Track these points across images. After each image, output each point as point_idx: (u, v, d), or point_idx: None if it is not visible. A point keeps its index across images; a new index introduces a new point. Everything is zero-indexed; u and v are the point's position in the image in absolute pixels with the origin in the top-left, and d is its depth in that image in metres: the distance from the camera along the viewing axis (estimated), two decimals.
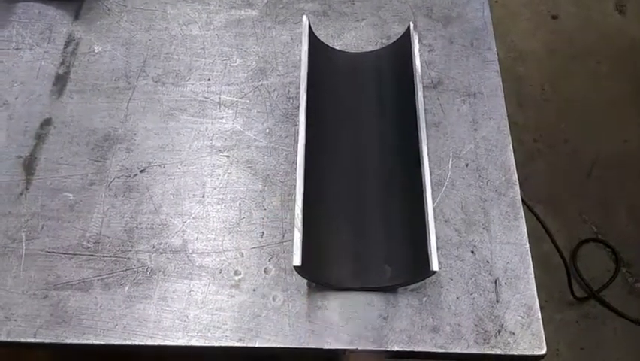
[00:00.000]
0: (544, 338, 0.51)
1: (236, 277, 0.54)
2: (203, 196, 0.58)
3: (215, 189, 0.59)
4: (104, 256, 0.55)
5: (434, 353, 0.51)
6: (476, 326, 0.52)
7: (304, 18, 0.61)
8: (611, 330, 1.39)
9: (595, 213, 1.53)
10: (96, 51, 0.68)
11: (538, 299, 0.53)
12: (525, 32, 1.83)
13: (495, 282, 0.54)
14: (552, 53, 1.79)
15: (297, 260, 0.47)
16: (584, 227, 1.52)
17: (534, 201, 1.52)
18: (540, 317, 0.52)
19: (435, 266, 0.48)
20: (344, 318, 0.52)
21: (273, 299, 0.53)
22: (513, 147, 0.62)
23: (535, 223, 1.48)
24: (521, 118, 1.66)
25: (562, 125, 1.65)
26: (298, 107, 0.56)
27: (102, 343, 0.51)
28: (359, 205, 0.56)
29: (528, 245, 0.56)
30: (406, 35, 0.63)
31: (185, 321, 0.52)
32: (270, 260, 0.55)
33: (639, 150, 1.61)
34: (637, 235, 1.50)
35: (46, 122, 0.62)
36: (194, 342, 0.51)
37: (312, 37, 0.63)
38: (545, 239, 1.47)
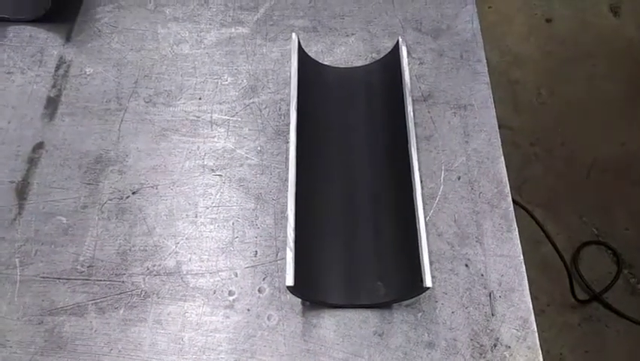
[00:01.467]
0: (540, 351, 0.51)
1: (231, 298, 0.54)
2: (196, 216, 0.58)
3: (207, 208, 0.59)
4: (98, 280, 0.55)
5: None
6: (472, 340, 0.51)
7: (293, 35, 0.61)
8: (614, 332, 1.39)
9: (595, 216, 1.53)
10: (87, 73, 0.68)
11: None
12: (520, 36, 1.84)
13: (490, 295, 0.54)
14: (547, 56, 1.79)
15: (289, 280, 0.47)
16: (584, 229, 1.52)
17: (533, 205, 1.52)
18: (536, 329, 0.52)
19: (428, 282, 0.47)
20: (339, 336, 0.52)
21: (268, 319, 0.53)
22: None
23: (535, 227, 1.48)
24: (518, 122, 1.66)
25: (559, 129, 1.66)
26: (289, 124, 0.56)
27: None
28: (351, 221, 0.56)
29: (522, 257, 0.56)
30: (396, 49, 0.63)
31: (180, 344, 0.51)
32: (264, 279, 0.55)
33: (637, 152, 1.61)
34: (638, 237, 1.50)
35: (39, 146, 0.63)
36: None
37: (302, 54, 0.63)
38: (545, 243, 1.47)
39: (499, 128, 0.64)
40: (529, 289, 0.55)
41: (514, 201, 0.60)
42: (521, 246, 0.57)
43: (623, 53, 1.80)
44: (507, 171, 0.61)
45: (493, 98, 0.66)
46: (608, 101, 1.70)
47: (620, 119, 1.67)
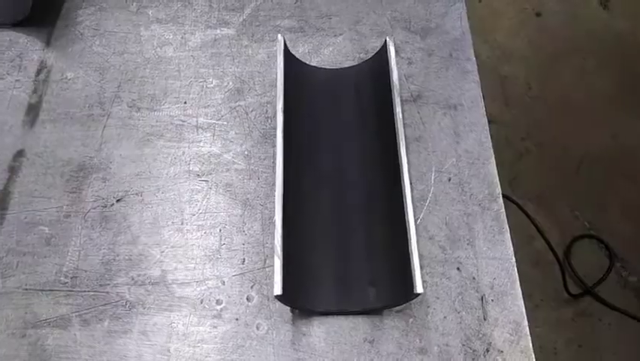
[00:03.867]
0: (533, 354, 0.50)
1: (218, 307, 0.53)
2: (182, 223, 0.57)
3: (194, 215, 0.58)
4: (81, 291, 0.53)
5: None
6: (464, 345, 0.51)
7: (279, 36, 0.60)
8: (607, 326, 1.40)
9: (586, 210, 1.53)
10: (69, 78, 0.66)
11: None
12: (510, 31, 1.83)
13: (482, 299, 0.53)
14: (537, 50, 1.79)
15: (277, 289, 0.46)
16: (576, 223, 1.52)
17: (525, 199, 1.52)
18: (529, 333, 0.51)
19: (419, 288, 0.47)
20: (329, 344, 0.51)
21: (257, 328, 0.52)
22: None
23: (527, 222, 1.48)
24: (508, 117, 1.66)
25: (550, 123, 1.65)
26: (276, 127, 0.55)
27: None
28: (341, 226, 0.55)
29: (514, 259, 0.55)
30: (384, 49, 0.62)
31: (166, 355, 0.50)
32: (252, 287, 0.54)
33: (628, 145, 1.61)
34: (629, 229, 1.50)
35: (19, 154, 0.61)
36: None
37: (288, 56, 0.62)
38: (538, 237, 1.47)
39: (490, 123, 0.63)
40: (522, 285, 0.54)
41: (505, 197, 0.59)
42: (513, 241, 0.56)
43: (613, 46, 1.79)
44: (498, 166, 0.60)
45: (483, 93, 0.65)
46: (599, 95, 1.70)
47: (611, 112, 1.67)
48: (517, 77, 1.74)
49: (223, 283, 0.54)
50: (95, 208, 0.58)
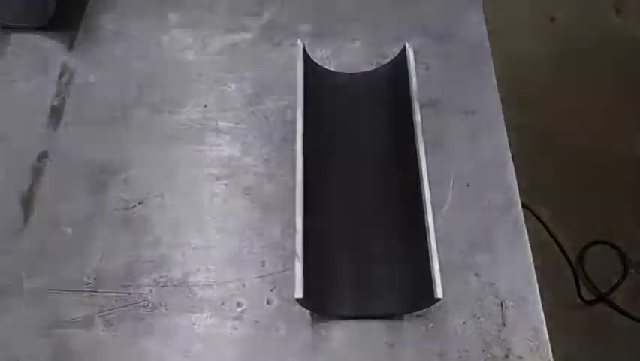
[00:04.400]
0: None
1: (239, 309, 0.53)
2: (202, 226, 0.58)
3: (214, 218, 0.58)
4: (104, 292, 0.54)
5: None
6: (484, 351, 0.51)
7: (299, 42, 0.61)
8: (621, 333, 1.38)
9: (600, 215, 1.52)
10: (91, 81, 0.67)
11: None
12: (524, 35, 1.83)
13: (501, 305, 0.53)
14: (552, 55, 1.78)
15: (299, 292, 0.47)
16: (590, 229, 1.51)
17: (538, 204, 1.51)
18: (548, 339, 0.51)
19: (439, 293, 0.47)
20: (349, 347, 0.51)
21: (277, 331, 0.52)
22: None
23: (540, 227, 1.47)
24: (523, 122, 1.65)
25: (564, 128, 1.64)
26: (295, 131, 0.55)
27: None
28: (360, 231, 0.56)
29: (533, 265, 0.55)
30: (402, 54, 0.62)
31: (188, 357, 0.51)
32: (272, 290, 0.54)
33: None
34: None
35: (43, 156, 0.62)
36: None
37: (307, 61, 0.62)
38: (551, 243, 1.46)
39: None
40: None
41: None
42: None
43: (628, 51, 1.78)
44: None
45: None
46: (613, 100, 1.69)
47: (625, 117, 1.66)
48: (532, 81, 1.73)
49: (244, 285, 0.54)
50: (117, 210, 0.58)
